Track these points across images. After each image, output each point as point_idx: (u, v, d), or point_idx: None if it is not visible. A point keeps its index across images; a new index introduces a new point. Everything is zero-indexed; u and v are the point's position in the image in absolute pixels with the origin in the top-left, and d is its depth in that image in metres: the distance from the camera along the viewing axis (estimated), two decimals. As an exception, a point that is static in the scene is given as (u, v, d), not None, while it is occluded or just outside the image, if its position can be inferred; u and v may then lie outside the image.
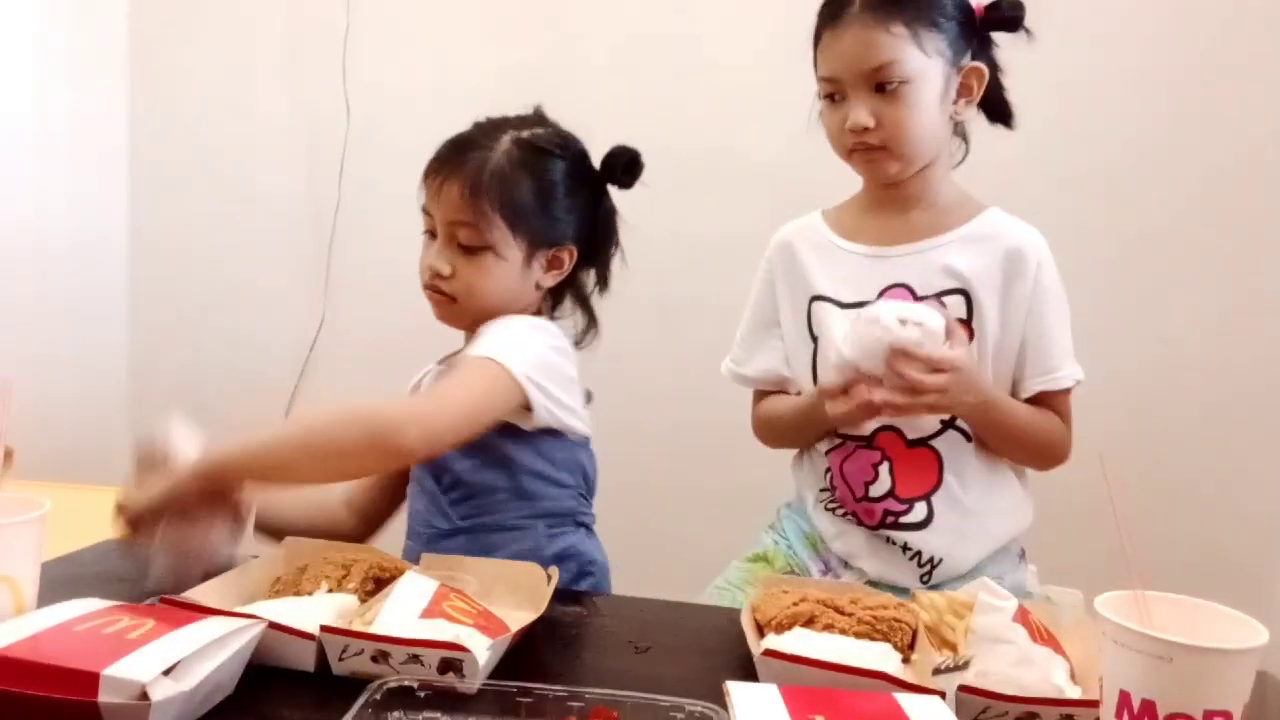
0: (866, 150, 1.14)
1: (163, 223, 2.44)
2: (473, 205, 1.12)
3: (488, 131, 1.17)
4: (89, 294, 2.35)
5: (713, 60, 2.09)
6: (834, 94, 1.15)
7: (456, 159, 1.14)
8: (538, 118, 1.21)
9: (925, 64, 1.11)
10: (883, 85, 1.11)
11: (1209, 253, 1.90)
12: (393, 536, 1.25)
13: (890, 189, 1.19)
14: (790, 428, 1.25)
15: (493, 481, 1.14)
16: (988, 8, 1.15)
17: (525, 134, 1.17)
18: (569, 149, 1.19)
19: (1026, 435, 1.16)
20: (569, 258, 1.20)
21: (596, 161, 1.22)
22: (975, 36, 1.15)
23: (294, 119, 2.34)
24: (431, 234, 1.17)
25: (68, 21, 2.24)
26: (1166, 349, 1.89)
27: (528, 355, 1.09)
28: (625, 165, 1.21)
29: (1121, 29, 1.87)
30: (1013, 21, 1.15)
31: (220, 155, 2.39)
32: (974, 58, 1.15)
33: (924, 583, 1.15)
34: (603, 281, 1.26)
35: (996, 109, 1.20)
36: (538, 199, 1.15)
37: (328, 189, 2.30)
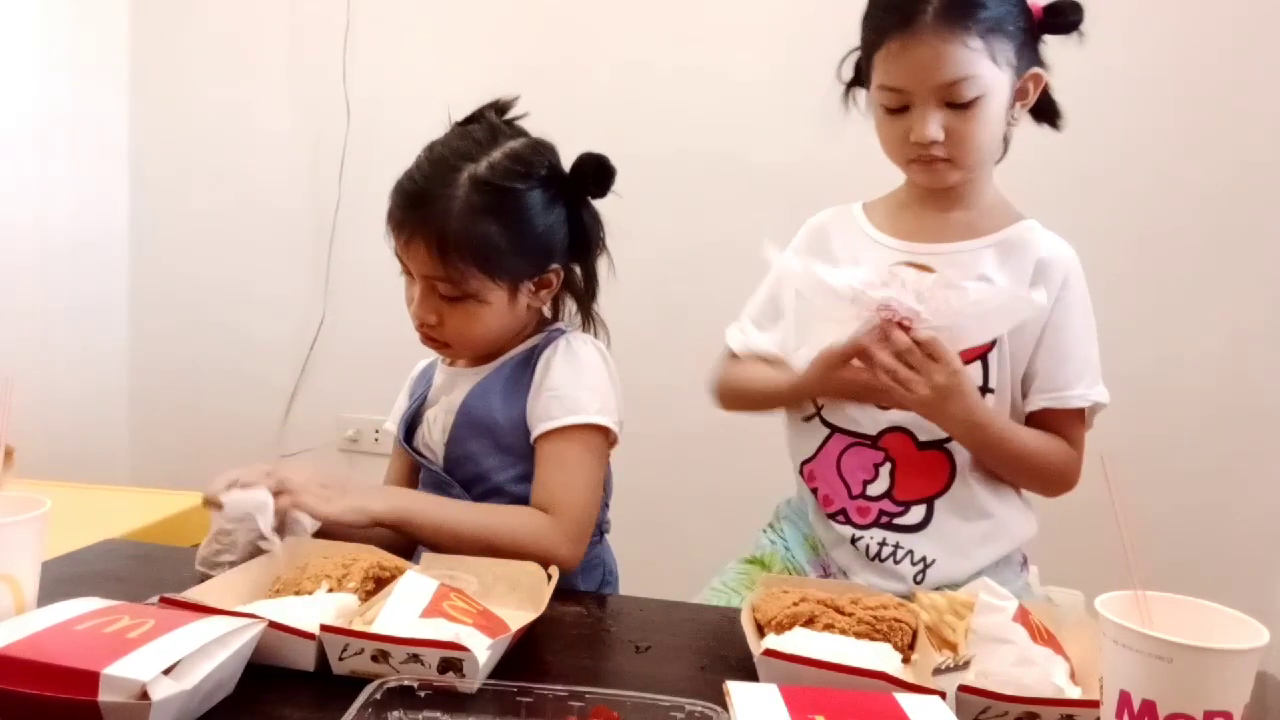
0: (930, 161, 1.11)
1: (163, 223, 2.45)
2: (443, 261, 1.08)
3: (442, 172, 1.09)
4: (90, 294, 2.36)
5: (717, 64, 2.09)
6: (898, 104, 1.10)
7: (417, 214, 1.09)
8: (490, 133, 1.13)
9: (997, 77, 1.07)
10: (956, 99, 1.07)
11: (1212, 257, 1.91)
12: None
13: (934, 189, 1.17)
14: (762, 400, 1.23)
15: (528, 492, 1.12)
16: (1046, 10, 1.11)
17: (482, 169, 1.09)
18: (532, 174, 1.11)
19: (1023, 461, 1.13)
20: (557, 277, 1.17)
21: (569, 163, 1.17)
22: (1033, 40, 1.12)
23: (294, 119, 2.35)
24: (409, 275, 1.14)
25: (69, 23, 2.24)
26: (1168, 350, 1.89)
27: (608, 396, 1.13)
28: (595, 175, 1.15)
29: (1134, 30, 1.87)
30: (1071, 25, 1.11)
31: (221, 155, 2.40)
32: (1031, 63, 1.12)
33: (917, 583, 1.14)
34: (590, 290, 1.22)
35: (1044, 110, 1.17)
36: (509, 240, 1.09)
37: (328, 189, 2.30)
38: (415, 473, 1.23)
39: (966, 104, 1.07)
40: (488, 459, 1.14)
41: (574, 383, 1.12)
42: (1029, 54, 1.12)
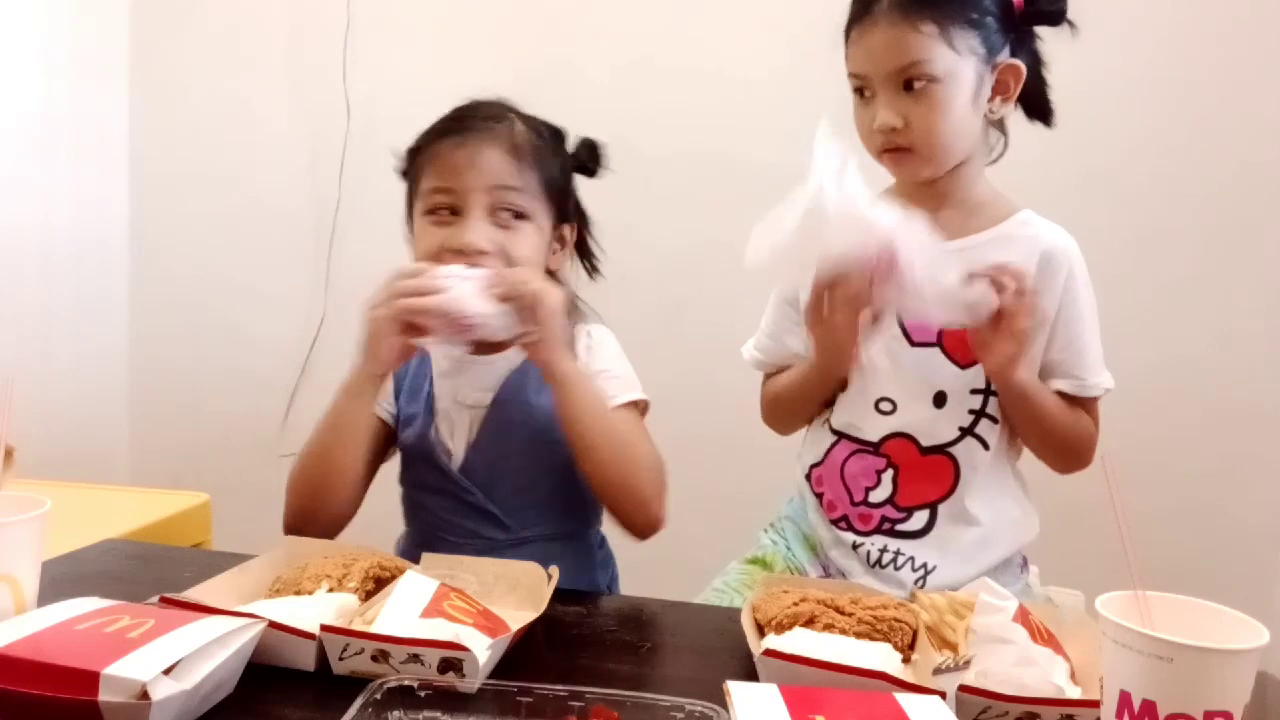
0: (896, 151, 1.11)
1: (164, 223, 2.45)
2: (518, 171, 1.09)
3: (490, 110, 1.14)
4: (90, 294, 2.35)
5: (717, 63, 2.08)
6: (863, 92, 1.12)
7: (483, 126, 1.10)
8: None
9: (956, 63, 1.07)
10: (910, 84, 1.07)
11: (1211, 256, 1.90)
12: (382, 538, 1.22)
13: (921, 186, 1.16)
14: (795, 395, 1.22)
15: (558, 489, 1.14)
16: (1028, 1, 1.11)
17: (523, 114, 1.16)
18: (560, 134, 1.19)
19: (1058, 426, 1.12)
20: (571, 234, 1.20)
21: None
22: (1014, 31, 1.11)
23: (294, 119, 2.34)
24: (449, 211, 1.10)
25: (69, 23, 2.24)
26: (1168, 350, 1.89)
27: (635, 377, 1.16)
28: (589, 152, 1.20)
29: (1133, 29, 1.87)
30: (1053, 15, 1.11)
31: (221, 155, 2.40)
32: (1013, 53, 1.12)
33: (918, 588, 1.14)
34: (594, 267, 1.25)
35: (1035, 105, 1.17)
36: (560, 172, 1.15)
37: (328, 189, 2.30)
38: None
39: (922, 90, 1.07)
40: (517, 456, 1.12)
41: (621, 363, 1.16)
42: (1003, 43, 1.11)
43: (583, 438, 1.05)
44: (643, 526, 1.10)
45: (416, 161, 1.14)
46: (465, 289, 0.99)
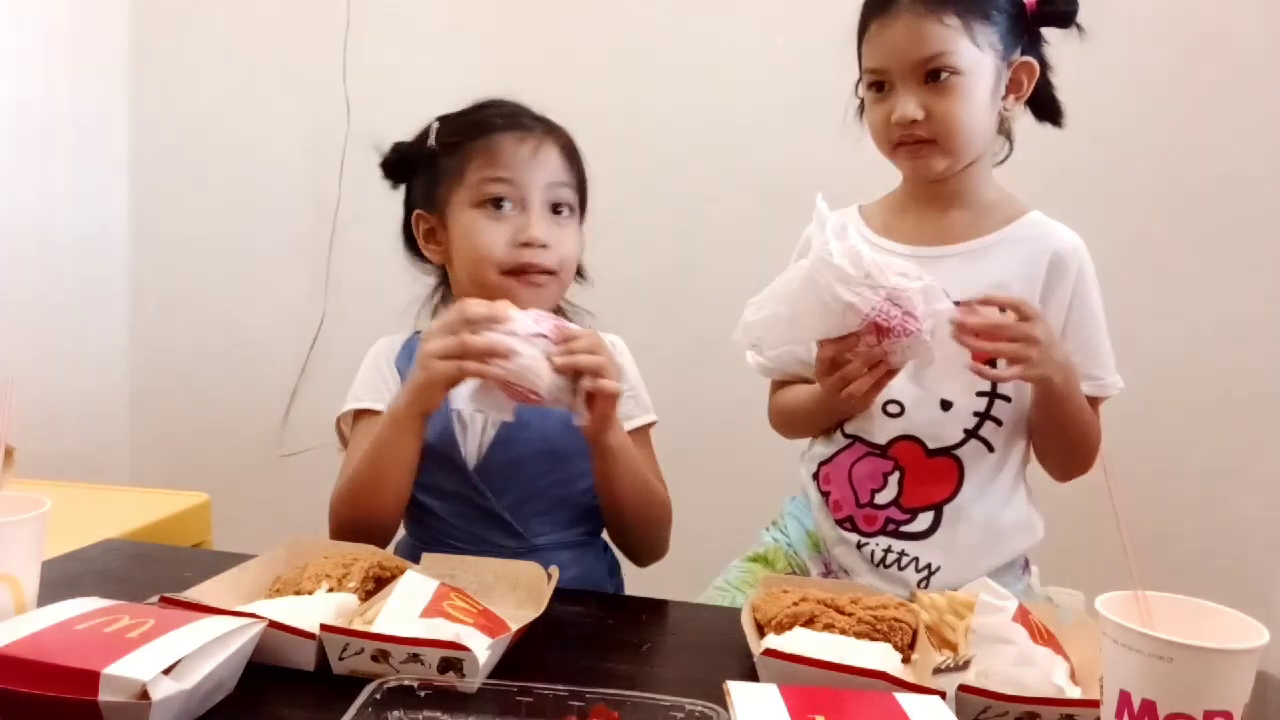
0: (914, 144, 1.11)
1: (164, 222, 2.45)
2: (570, 168, 1.13)
3: (519, 108, 1.16)
4: (90, 293, 2.35)
5: (717, 63, 2.08)
6: (881, 85, 1.12)
7: (543, 123, 1.14)
8: None
9: (977, 56, 1.08)
10: (933, 76, 1.08)
11: (1211, 256, 1.90)
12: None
13: (931, 186, 1.16)
14: (806, 415, 1.21)
15: (568, 497, 1.14)
16: (1040, 2, 1.12)
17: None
18: None
19: (1080, 425, 1.11)
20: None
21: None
22: (1026, 31, 1.12)
23: (294, 118, 2.34)
24: (505, 203, 1.10)
25: (70, 21, 2.24)
26: (1169, 350, 1.89)
27: (647, 394, 1.21)
28: None
29: (1133, 29, 1.87)
30: (1065, 17, 1.12)
31: (221, 155, 2.39)
32: (1024, 53, 1.13)
33: (921, 588, 1.14)
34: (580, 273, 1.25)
35: (1045, 107, 1.18)
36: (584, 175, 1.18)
37: (328, 189, 2.30)
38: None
39: (944, 81, 1.08)
40: (531, 462, 1.12)
41: (639, 381, 1.18)
42: (1017, 41, 1.12)
43: (617, 503, 1.10)
44: (648, 562, 1.18)
45: (462, 150, 1.13)
46: (533, 355, 0.94)
